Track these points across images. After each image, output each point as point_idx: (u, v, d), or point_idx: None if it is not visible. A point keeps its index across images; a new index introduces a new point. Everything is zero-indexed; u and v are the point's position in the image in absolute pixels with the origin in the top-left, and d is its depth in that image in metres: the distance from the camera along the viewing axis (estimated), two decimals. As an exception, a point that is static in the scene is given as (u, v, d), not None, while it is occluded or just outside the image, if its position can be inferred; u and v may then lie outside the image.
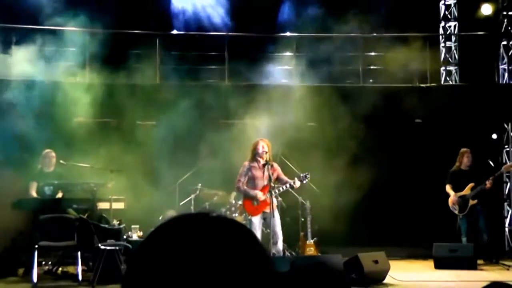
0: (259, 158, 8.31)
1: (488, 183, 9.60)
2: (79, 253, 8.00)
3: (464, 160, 9.92)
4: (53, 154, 9.14)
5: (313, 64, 11.31)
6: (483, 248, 9.57)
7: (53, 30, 10.95)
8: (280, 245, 8.22)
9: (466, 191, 9.80)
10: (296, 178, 8.45)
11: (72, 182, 9.09)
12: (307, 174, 8.54)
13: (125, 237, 8.67)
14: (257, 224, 8.24)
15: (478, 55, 11.97)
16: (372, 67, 11.74)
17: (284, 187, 8.44)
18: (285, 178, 8.49)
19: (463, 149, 9.99)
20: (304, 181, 8.53)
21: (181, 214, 0.94)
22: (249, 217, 8.31)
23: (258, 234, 8.25)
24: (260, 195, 8.22)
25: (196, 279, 0.84)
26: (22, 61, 10.56)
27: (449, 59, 12.64)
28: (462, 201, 9.80)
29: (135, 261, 0.90)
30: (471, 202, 9.73)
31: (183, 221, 0.92)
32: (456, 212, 9.83)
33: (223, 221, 0.92)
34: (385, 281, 8.12)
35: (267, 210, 8.13)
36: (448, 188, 9.94)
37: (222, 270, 0.85)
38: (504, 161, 11.49)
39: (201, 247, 0.86)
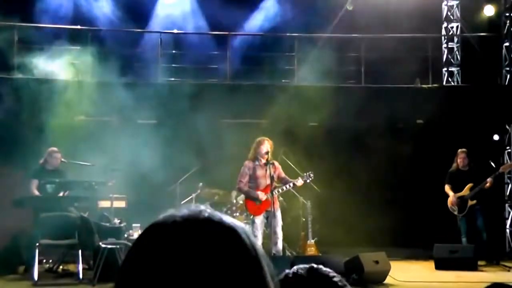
0: (260, 158, 8.33)
1: (489, 181, 9.62)
2: (79, 251, 8.01)
3: (458, 161, 9.94)
4: (59, 153, 9.07)
5: (315, 64, 11.29)
6: (483, 249, 9.57)
7: (55, 28, 10.98)
8: (280, 245, 8.23)
9: (465, 191, 9.82)
10: (299, 177, 8.49)
11: (73, 180, 9.08)
12: (311, 173, 8.59)
13: (126, 235, 8.67)
14: (259, 224, 8.25)
15: (480, 56, 11.96)
16: (373, 67, 11.72)
17: (287, 186, 8.47)
18: (286, 177, 8.54)
19: (459, 150, 10.01)
20: (308, 180, 8.59)
21: (172, 214, 0.91)
22: (252, 217, 8.33)
23: (260, 234, 8.26)
24: (262, 196, 8.23)
25: (183, 282, 0.83)
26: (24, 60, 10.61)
27: (451, 60, 12.63)
28: (461, 201, 9.82)
29: (125, 263, 0.89)
30: (470, 202, 9.75)
31: (173, 222, 0.89)
32: (455, 212, 9.86)
33: (213, 223, 0.89)
34: (385, 281, 8.12)
35: (270, 209, 8.14)
36: (447, 188, 9.95)
37: (210, 276, 0.83)
38: (505, 162, 11.47)
39: (189, 250, 0.84)
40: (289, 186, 8.47)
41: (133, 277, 0.87)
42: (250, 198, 8.35)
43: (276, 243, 8.15)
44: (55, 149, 9.08)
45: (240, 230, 0.91)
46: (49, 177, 8.92)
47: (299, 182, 8.44)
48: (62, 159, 9.09)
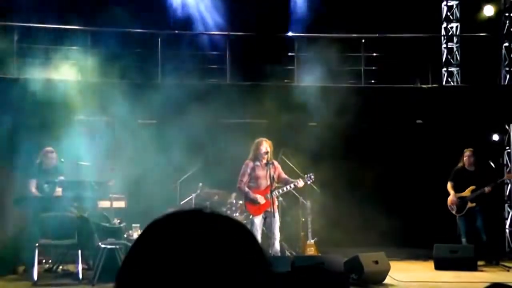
0: (261, 158, 8.34)
1: (487, 189, 9.60)
2: (79, 251, 8.01)
3: (464, 161, 9.93)
4: (54, 152, 9.07)
5: (313, 64, 11.29)
6: (483, 249, 9.57)
7: (55, 28, 10.97)
8: (277, 245, 8.25)
9: (466, 193, 9.80)
10: (300, 179, 8.50)
11: (72, 180, 9.07)
12: (311, 175, 8.61)
13: (125, 236, 8.67)
14: (258, 224, 8.26)
15: (480, 56, 11.96)
16: (373, 67, 11.72)
17: (288, 187, 8.48)
18: (286, 177, 8.56)
19: (465, 150, 9.99)
20: (309, 182, 8.62)
21: (174, 212, 0.90)
22: (251, 217, 8.33)
23: (259, 234, 8.27)
24: (261, 200, 8.22)
25: (189, 279, 0.82)
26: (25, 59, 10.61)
27: (451, 60, 12.63)
28: (461, 202, 9.81)
29: (127, 260, 0.89)
30: (470, 204, 9.73)
31: (175, 218, 0.88)
32: (454, 212, 9.85)
33: (218, 219, 0.88)
34: (385, 281, 8.12)
35: (269, 209, 8.15)
36: (449, 186, 9.93)
37: (216, 269, 0.82)
38: (505, 162, 11.48)
39: (194, 246, 0.83)
40: (290, 187, 8.49)
41: (135, 276, 0.86)
42: (249, 199, 8.35)
43: (273, 244, 8.17)
44: (50, 149, 9.05)
45: (241, 224, 0.91)
46: (47, 176, 8.89)
47: (300, 183, 8.46)
48: (61, 159, 9.07)
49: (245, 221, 9.01)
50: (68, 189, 8.98)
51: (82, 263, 8.09)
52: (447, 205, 9.91)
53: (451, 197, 9.87)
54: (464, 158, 9.93)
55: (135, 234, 8.78)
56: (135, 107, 10.11)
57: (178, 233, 0.86)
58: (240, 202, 9.40)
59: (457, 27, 12.70)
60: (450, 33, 12.72)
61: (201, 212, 0.89)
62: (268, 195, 8.19)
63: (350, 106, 10.44)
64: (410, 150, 11.25)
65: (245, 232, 0.89)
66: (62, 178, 8.87)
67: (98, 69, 10.60)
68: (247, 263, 0.85)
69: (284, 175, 8.56)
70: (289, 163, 9.70)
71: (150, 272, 0.84)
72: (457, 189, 9.88)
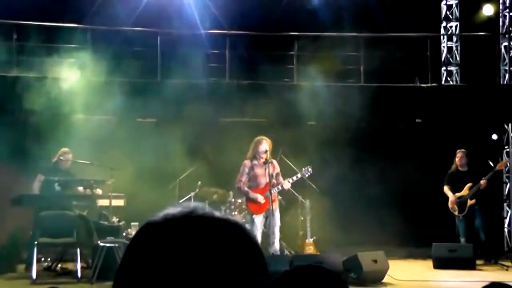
0: (259, 157, 8.34)
1: (482, 183, 9.62)
2: (78, 250, 8.01)
3: (457, 161, 9.93)
4: (70, 153, 9.01)
5: (314, 63, 11.29)
6: (481, 248, 9.58)
7: (54, 26, 10.97)
8: (277, 244, 8.25)
9: (464, 191, 9.81)
10: (289, 179, 8.48)
11: (72, 179, 9.07)
12: (309, 168, 8.63)
13: (124, 234, 8.67)
14: (259, 224, 8.27)
15: (479, 55, 11.96)
16: (373, 67, 11.72)
17: (280, 187, 8.45)
18: (280, 178, 8.53)
19: (457, 151, 10.00)
20: (307, 175, 8.63)
21: (169, 212, 0.89)
22: (253, 216, 8.33)
23: (259, 233, 8.27)
24: (261, 199, 8.23)
25: (184, 279, 0.81)
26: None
27: (450, 59, 12.63)
28: (461, 202, 9.81)
29: (123, 261, 0.88)
30: (470, 202, 9.73)
31: (170, 219, 0.87)
32: (456, 213, 9.84)
33: (212, 218, 0.87)
34: (384, 280, 8.13)
35: (268, 207, 8.16)
36: (446, 189, 9.93)
37: (210, 270, 0.81)
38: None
39: (188, 246, 0.82)
40: (278, 188, 8.44)
41: (130, 277, 0.86)
42: (250, 199, 8.36)
43: (273, 243, 8.17)
44: (67, 149, 9.02)
45: (243, 225, 0.90)
46: (60, 176, 8.83)
47: (286, 185, 8.44)
48: (61, 158, 9.04)
49: (243, 220, 9.01)
50: (67, 188, 8.98)
51: (81, 262, 8.10)
52: (446, 205, 9.90)
53: (451, 198, 9.86)
54: (456, 159, 9.95)
55: (134, 233, 8.77)
56: (135, 105, 10.12)
57: (172, 233, 0.85)
58: (239, 200, 9.40)
59: (456, 26, 12.70)
60: (449, 32, 12.72)
61: (195, 212, 0.88)
62: (268, 193, 8.21)
63: (350, 105, 10.45)
64: (409, 149, 11.25)
65: (241, 231, 0.87)
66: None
67: (98, 68, 10.58)
68: (243, 263, 0.84)
69: (280, 177, 8.53)
70: (288, 162, 9.70)
71: (145, 274, 0.84)
72: (454, 191, 9.88)
